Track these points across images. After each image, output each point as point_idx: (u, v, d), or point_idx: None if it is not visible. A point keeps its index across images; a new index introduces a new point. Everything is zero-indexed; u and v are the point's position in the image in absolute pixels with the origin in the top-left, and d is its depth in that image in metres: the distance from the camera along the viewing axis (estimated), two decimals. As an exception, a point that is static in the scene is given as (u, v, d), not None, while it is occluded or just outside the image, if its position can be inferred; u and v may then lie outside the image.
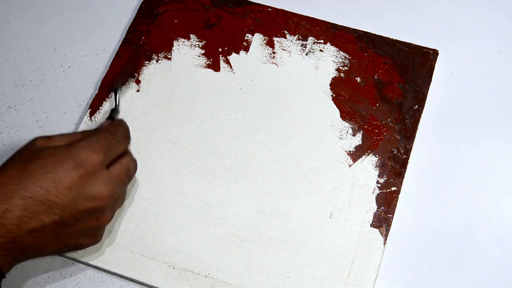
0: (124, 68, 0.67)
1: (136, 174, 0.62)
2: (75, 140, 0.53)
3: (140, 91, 0.67)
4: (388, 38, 0.68)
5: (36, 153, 0.52)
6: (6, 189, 0.49)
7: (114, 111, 0.64)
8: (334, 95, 0.66)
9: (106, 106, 0.66)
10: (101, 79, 0.68)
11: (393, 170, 0.62)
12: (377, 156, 0.63)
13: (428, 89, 0.66)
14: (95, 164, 0.51)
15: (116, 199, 0.55)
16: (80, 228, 0.52)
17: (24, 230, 0.49)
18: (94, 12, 0.73)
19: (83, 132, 0.56)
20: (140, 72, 0.68)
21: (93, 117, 0.66)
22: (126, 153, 0.57)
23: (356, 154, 0.63)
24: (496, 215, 0.61)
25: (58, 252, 0.55)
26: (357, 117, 0.64)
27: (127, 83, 0.67)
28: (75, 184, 0.50)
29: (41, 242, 0.50)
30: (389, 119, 0.64)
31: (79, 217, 0.51)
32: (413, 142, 0.63)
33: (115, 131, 0.56)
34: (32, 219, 0.49)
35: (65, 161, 0.51)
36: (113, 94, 0.65)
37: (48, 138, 0.54)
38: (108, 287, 0.59)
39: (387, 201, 0.60)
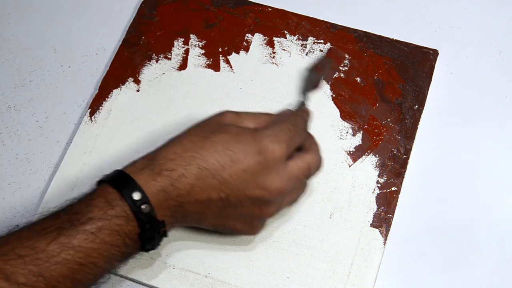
0: (323, 66, 0.65)
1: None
2: (261, 126, 0.54)
3: (140, 91, 0.67)
4: (388, 38, 0.68)
5: (222, 126, 0.53)
6: (186, 155, 0.50)
7: (303, 102, 0.62)
8: (334, 95, 0.66)
9: (106, 106, 0.66)
10: (101, 79, 0.68)
11: (393, 170, 0.62)
12: (377, 156, 0.63)
13: (428, 89, 0.66)
14: (275, 155, 0.51)
15: (285, 195, 0.54)
16: (242, 212, 0.53)
17: (192, 199, 0.50)
18: (94, 12, 0.73)
19: (269, 115, 0.56)
20: (140, 72, 0.68)
21: (93, 117, 0.66)
22: (311, 148, 0.56)
23: (356, 154, 0.63)
24: (496, 215, 0.61)
25: (214, 227, 0.55)
26: (357, 117, 0.64)
27: (319, 82, 0.65)
28: (251, 169, 0.51)
29: (203, 214, 0.52)
30: (389, 119, 0.64)
31: (244, 202, 0.52)
32: (413, 142, 0.63)
33: (297, 122, 0.55)
34: (202, 191, 0.50)
35: (248, 144, 0.51)
36: (305, 82, 0.64)
37: (237, 114, 0.55)
38: (108, 287, 0.59)
39: (387, 201, 0.60)
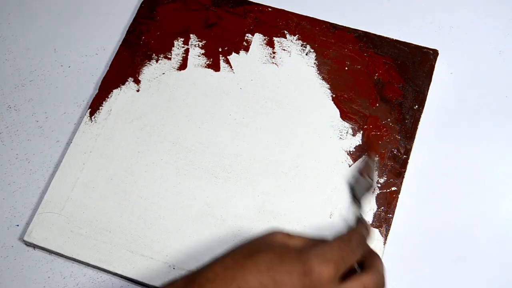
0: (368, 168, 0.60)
1: (136, 174, 0.62)
2: (310, 245, 0.49)
3: (140, 91, 0.67)
4: (388, 38, 0.68)
5: (269, 245, 0.49)
6: (227, 274, 0.47)
7: (359, 216, 0.56)
8: (334, 95, 0.66)
9: (106, 106, 0.66)
10: (101, 79, 0.68)
11: (393, 170, 0.62)
12: (377, 156, 0.63)
13: (428, 89, 0.66)
14: (323, 277, 0.46)
15: None
16: None
17: None
18: (94, 12, 0.73)
19: (323, 238, 0.51)
20: (140, 72, 0.68)
21: (93, 117, 0.66)
22: (371, 267, 0.49)
23: (356, 154, 0.63)
24: (496, 215, 0.61)
25: None
26: (357, 117, 0.64)
27: (370, 188, 0.59)
28: None
29: None
30: (389, 119, 0.64)
31: None
32: (413, 142, 0.63)
33: (350, 239, 0.49)
34: None
35: (292, 264, 0.46)
36: (355, 191, 0.59)
37: (288, 235, 0.51)
38: (108, 287, 0.59)
39: (387, 201, 0.60)
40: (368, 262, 0.50)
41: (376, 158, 0.62)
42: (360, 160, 0.62)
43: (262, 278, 0.46)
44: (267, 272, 0.46)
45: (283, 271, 0.46)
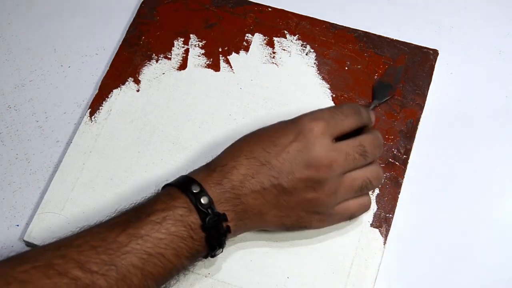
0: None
1: (136, 174, 0.62)
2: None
3: (140, 91, 0.67)
4: (388, 38, 0.68)
5: (269, 125, 0.56)
6: (236, 150, 0.54)
7: (369, 107, 0.62)
8: (334, 95, 0.66)
9: (106, 106, 0.66)
10: (101, 79, 0.68)
11: (393, 170, 0.62)
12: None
13: (428, 89, 0.66)
14: (313, 130, 0.52)
15: (339, 175, 0.53)
16: (300, 199, 0.53)
17: (247, 190, 0.52)
18: (94, 12, 0.73)
19: None
20: (140, 72, 0.68)
21: (93, 117, 0.66)
22: (367, 131, 0.56)
23: (356, 154, 0.63)
24: (496, 215, 0.61)
25: (281, 222, 0.55)
26: (357, 117, 0.64)
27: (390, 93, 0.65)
28: (292, 148, 0.52)
29: (262, 205, 0.53)
30: (389, 119, 0.64)
31: (297, 185, 0.52)
32: (413, 142, 0.63)
33: (342, 105, 0.56)
34: (253, 179, 0.52)
35: (288, 127, 0.54)
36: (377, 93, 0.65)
37: (286, 120, 0.57)
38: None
39: (387, 201, 0.60)
40: (367, 129, 0.56)
41: (400, 66, 0.66)
42: (387, 69, 0.66)
43: (263, 145, 0.53)
44: (268, 138, 0.53)
45: (280, 136, 0.53)
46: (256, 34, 0.70)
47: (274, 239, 0.59)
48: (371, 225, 0.60)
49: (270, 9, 0.71)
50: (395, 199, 0.60)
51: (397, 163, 0.62)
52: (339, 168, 0.53)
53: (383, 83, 0.65)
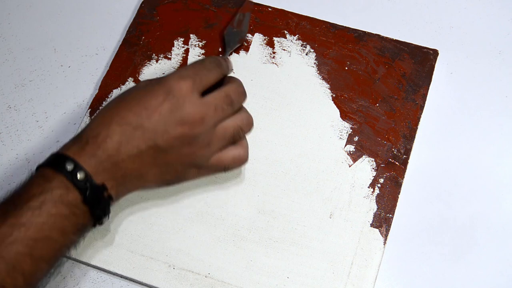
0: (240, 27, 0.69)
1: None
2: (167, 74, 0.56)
3: (140, 91, 0.67)
4: (388, 38, 0.68)
5: (135, 88, 0.56)
6: (106, 118, 0.53)
7: (224, 56, 0.64)
8: (334, 95, 0.66)
9: (106, 106, 0.66)
10: (101, 79, 0.68)
11: (393, 170, 0.62)
12: (377, 156, 0.63)
13: (428, 89, 0.66)
14: (182, 89, 0.53)
15: (211, 126, 0.55)
16: (177, 155, 0.54)
17: (124, 156, 0.52)
18: (94, 12, 0.73)
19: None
20: (140, 72, 0.68)
21: (93, 117, 0.66)
22: (228, 82, 0.57)
23: (356, 154, 0.63)
24: (496, 215, 0.61)
25: (161, 180, 0.56)
26: (357, 117, 0.64)
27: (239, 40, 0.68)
28: (164, 108, 0.53)
29: (141, 168, 0.53)
30: (389, 119, 0.64)
31: (172, 144, 0.53)
32: (413, 142, 0.63)
33: (203, 60, 0.57)
34: (129, 144, 0.52)
35: (155, 89, 0.54)
36: (228, 41, 0.67)
37: (149, 79, 0.57)
38: (108, 287, 0.59)
39: (387, 201, 0.60)
40: (227, 80, 0.58)
41: (248, 13, 0.70)
42: (237, 14, 0.69)
43: (134, 109, 0.53)
44: (137, 103, 0.53)
45: (149, 98, 0.53)
46: (256, 34, 0.69)
47: (274, 239, 0.59)
48: (371, 225, 0.60)
49: (270, 9, 0.71)
50: (395, 199, 0.60)
51: (397, 163, 0.62)
52: (210, 121, 0.54)
53: (233, 31, 0.68)
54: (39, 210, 0.49)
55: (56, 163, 0.51)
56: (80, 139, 0.52)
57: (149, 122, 0.52)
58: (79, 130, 0.56)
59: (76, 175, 0.50)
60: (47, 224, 0.48)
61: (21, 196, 0.50)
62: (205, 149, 0.55)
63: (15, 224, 0.48)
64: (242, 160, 0.58)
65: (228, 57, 0.66)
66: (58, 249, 0.50)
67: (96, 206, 0.51)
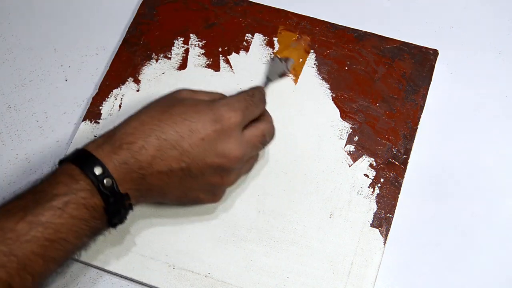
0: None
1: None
2: (216, 98, 0.56)
3: (140, 91, 0.67)
4: (388, 38, 0.68)
5: (179, 100, 0.55)
6: (145, 128, 0.52)
7: (267, 82, 0.64)
8: (334, 95, 0.66)
9: (106, 106, 0.66)
10: (101, 79, 0.68)
11: (393, 170, 0.62)
12: (377, 156, 0.63)
13: (428, 89, 0.66)
14: (231, 122, 0.53)
15: (244, 162, 0.56)
16: (203, 182, 0.54)
17: (154, 170, 0.51)
18: (94, 12, 0.73)
19: (222, 94, 0.58)
20: (140, 72, 0.68)
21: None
22: (263, 118, 0.58)
23: (356, 154, 0.63)
24: (496, 215, 0.61)
25: (178, 201, 0.57)
26: (357, 117, 0.64)
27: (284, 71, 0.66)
28: (209, 137, 0.52)
29: (166, 186, 0.53)
30: (389, 119, 0.64)
31: (205, 171, 0.53)
32: (413, 142, 0.63)
33: (253, 93, 0.57)
34: (162, 161, 0.51)
35: (204, 113, 0.53)
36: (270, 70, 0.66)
37: (192, 91, 0.57)
38: (108, 287, 0.59)
39: (387, 201, 0.60)
40: (262, 116, 0.58)
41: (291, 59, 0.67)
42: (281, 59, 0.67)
43: (178, 128, 0.52)
44: (182, 122, 0.52)
45: (196, 120, 0.52)
46: (256, 34, 0.69)
47: (274, 239, 0.59)
48: (371, 225, 0.60)
49: (270, 9, 0.71)
50: (395, 199, 0.60)
51: (397, 163, 0.62)
52: (245, 158, 0.55)
53: (278, 62, 0.66)
54: (61, 211, 0.48)
55: (84, 163, 0.50)
56: (113, 141, 0.51)
57: (190, 145, 0.52)
58: (110, 129, 0.54)
59: (103, 181, 0.49)
60: (66, 226, 0.48)
61: (45, 192, 0.49)
62: (231, 180, 0.57)
63: (34, 222, 0.47)
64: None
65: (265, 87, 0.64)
66: (70, 251, 0.50)
67: (115, 214, 0.51)
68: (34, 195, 0.49)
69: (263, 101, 0.58)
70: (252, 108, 0.56)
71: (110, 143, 0.51)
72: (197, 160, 0.52)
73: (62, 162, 0.52)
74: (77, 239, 0.49)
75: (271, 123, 0.58)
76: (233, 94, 0.57)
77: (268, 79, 0.65)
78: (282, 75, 0.66)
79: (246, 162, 0.57)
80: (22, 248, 0.46)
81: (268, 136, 0.57)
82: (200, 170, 0.53)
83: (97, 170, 0.49)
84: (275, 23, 0.70)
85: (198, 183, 0.54)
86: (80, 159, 0.50)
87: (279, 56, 0.67)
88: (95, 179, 0.49)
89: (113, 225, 0.52)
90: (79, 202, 0.49)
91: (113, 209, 0.50)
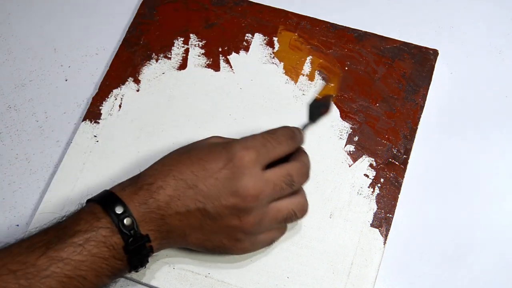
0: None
1: (136, 174, 0.62)
2: (236, 140, 0.54)
3: (140, 91, 0.67)
4: (388, 38, 0.68)
5: (202, 144, 0.55)
6: (165, 168, 0.53)
7: (302, 128, 0.58)
8: (334, 95, 0.66)
9: (106, 106, 0.66)
10: (101, 79, 0.68)
11: (393, 170, 0.62)
12: (377, 156, 0.63)
13: (428, 89, 0.66)
14: (244, 159, 0.52)
15: (264, 204, 0.52)
16: (223, 225, 0.52)
17: (172, 211, 0.51)
18: (94, 12, 0.73)
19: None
20: (140, 72, 0.68)
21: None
22: (295, 158, 0.55)
23: (356, 154, 0.63)
24: (496, 215, 0.61)
25: (203, 246, 0.55)
26: (357, 117, 0.64)
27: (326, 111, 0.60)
28: (221, 175, 0.51)
29: (186, 228, 0.52)
30: (389, 119, 0.64)
31: (222, 212, 0.52)
32: (413, 142, 0.63)
33: (275, 131, 0.55)
34: (179, 201, 0.51)
35: (218, 152, 0.53)
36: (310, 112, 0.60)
37: (222, 137, 0.57)
38: (108, 287, 0.59)
39: (387, 201, 0.60)
40: (295, 155, 0.55)
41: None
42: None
43: (193, 167, 0.52)
44: (197, 162, 0.52)
45: (211, 160, 0.52)
46: (256, 34, 0.70)
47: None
48: (371, 225, 0.60)
49: (270, 9, 0.71)
50: (395, 199, 0.61)
51: (397, 163, 0.62)
52: (265, 198, 0.52)
53: (318, 102, 0.61)
54: (81, 248, 0.48)
55: (106, 202, 0.51)
56: (136, 182, 0.52)
57: (204, 184, 0.51)
58: (137, 174, 0.54)
59: (123, 220, 0.50)
60: (86, 263, 0.48)
61: (67, 228, 0.50)
62: (254, 226, 0.53)
63: (55, 258, 0.48)
64: (284, 232, 0.57)
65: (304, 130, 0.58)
66: None
67: (135, 255, 0.51)
68: (58, 231, 0.50)
69: (290, 137, 0.54)
70: (272, 145, 0.53)
71: (133, 185, 0.52)
72: (212, 200, 0.51)
73: (88, 201, 0.53)
74: (97, 277, 0.49)
75: (302, 163, 0.54)
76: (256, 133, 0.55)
77: (310, 121, 0.59)
78: (324, 113, 0.60)
79: (269, 203, 0.53)
80: (41, 283, 0.47)
81: (296, 175, 0.53)
82: (217, 212, 0.52)
83: (118, 209, 0.50)
84: (275, 23, 0.70)
85: (219, 226, 0.53)
86: (104, 199, 0.51)
87: (319, 96, 0.65)
88: (115, 217, 0.50)
89: (134, 267, 0.52)
90: (99, 240, 0.49)
91: (132, 249, 0.50)
